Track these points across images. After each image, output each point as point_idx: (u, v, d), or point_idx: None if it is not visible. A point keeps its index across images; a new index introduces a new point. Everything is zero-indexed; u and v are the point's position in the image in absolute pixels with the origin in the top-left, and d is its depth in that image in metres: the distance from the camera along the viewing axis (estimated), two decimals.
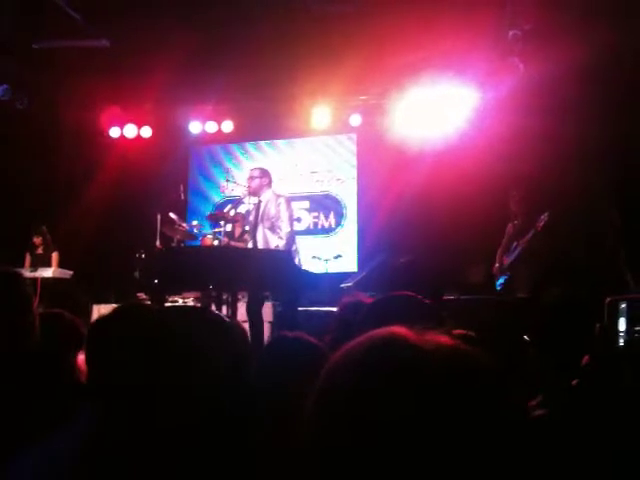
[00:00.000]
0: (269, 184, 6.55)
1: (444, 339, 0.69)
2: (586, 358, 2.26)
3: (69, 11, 7.01)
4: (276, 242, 6.26)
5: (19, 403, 1.55)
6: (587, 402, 1.98)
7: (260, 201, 6.51)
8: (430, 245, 7.56)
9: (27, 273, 7.51)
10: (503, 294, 6.51)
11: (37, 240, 8.23)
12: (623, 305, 5.32)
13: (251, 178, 6.53)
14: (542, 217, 6.42)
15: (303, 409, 0.71)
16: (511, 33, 7.01)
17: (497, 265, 6.87)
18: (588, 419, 1.86)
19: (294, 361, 1.58)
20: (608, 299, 5.25)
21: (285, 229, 6.30)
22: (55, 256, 8.19)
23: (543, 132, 6.89)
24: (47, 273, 7.79)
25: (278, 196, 6.50)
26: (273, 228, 6.35)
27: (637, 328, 5.15)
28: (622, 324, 5.27)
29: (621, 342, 4.75)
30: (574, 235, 6.40)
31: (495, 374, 0.68)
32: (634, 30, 6.53)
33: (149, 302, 6.02)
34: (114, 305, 5.73)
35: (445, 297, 5.45)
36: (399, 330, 0.71)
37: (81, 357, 2.02)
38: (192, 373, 1.40)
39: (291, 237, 6.37)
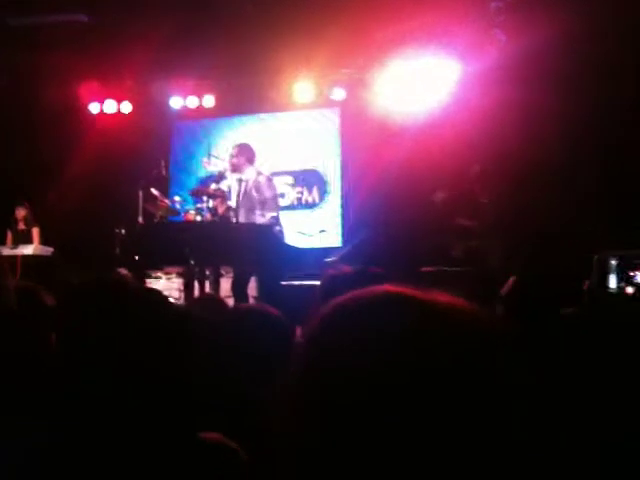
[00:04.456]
0: (249, 161, 6.50)
1: (447, 298, 0.66)
2: (571, 309, 2.27)
3: None
4: (259, 221, 6.25)
5: None
6: (571, 351, 1.99)
7: (242, 179, 6.48)
8: (413, 219, 7.56)
9: (7, 250, 7.46)
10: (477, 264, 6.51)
11: (19, 214, 8.13)
12: (613, 261, 5.22)
13: (231, 156, 6.51)
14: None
15: (284, 380, 0.67)
16: (493, 5, 6.96)
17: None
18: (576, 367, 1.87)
19: (252, 333, 1.57)
20: (596, 256, 5.23)
21: (268, 210, 6.26)
22: (36, 232, 8.12)
23: (526, 104, 6.87)
24: (27, 250, 7.73)
25: (259, 174, 6.46)
26: (253, 208, 6.31)
27: (622, 284, 5.12)
28: (612, 281, 5.17)
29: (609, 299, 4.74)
30: (551, 207, 6.43)
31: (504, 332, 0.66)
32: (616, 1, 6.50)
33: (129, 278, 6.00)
34: None
35: (424, 269, 5.47)
36: (402, 288, 0.67)
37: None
38: (168, 353, 1.39)
39: (275, 218, 6.34)
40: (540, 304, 2.25)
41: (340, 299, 0.68)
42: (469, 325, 0.64)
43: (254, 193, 6.33)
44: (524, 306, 2.27)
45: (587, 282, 5.03)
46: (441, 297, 0.66)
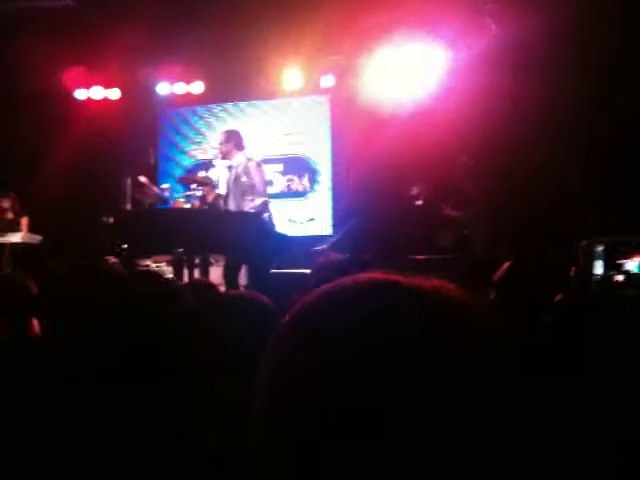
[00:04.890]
0: (237, 147, 6.47)
1: (433, 282, 0.65)
2: (559, 296, 2.26)
3: None
4: (248, 208, 6.24)
5: None
6: (562, 338, 1.99)
7: (231, 166, 6.47)
8: (402, 208, 7.55)
9: None
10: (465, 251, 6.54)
11: (6, 204, 8.08)
12: (600, 248, 5.22)
13: (219, 143, 6.53)
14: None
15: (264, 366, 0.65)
16: None
17: None
18: (565, 354, 1.87)
19: (240, 319, 1.57)
20: (584, 241, 5.22)
21: (258, 195, 6.25)
22: (25, 221, 8.07)
23: (515, 92, 6.87)
24: (16, 238, 7.69)
25: (249, 160, 6.44)
26: (244, 194, 6.30)
27: (611, 272, 5.10)
28: (599, 268, 5.16)
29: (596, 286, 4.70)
30: (534, 196, 6.46)
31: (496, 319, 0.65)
32: None
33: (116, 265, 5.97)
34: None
35: (414, 257, 5.49)
36: (387, 275, 0.66)
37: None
38: (161, 337, 1.37)
39: (264, 203, 6.33)
40: (532, 290, 2.25)
41: (326, 286, 0.67)
42: (457, 309, 0.63)
43: (244, 178, 6.32)
44: (517, 292, 2.27)
45: (574, 269, 5.05)
46: (426, 282, 0.65)
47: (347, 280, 0.66)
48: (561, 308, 2.19)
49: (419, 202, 6.88)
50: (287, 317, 0.67)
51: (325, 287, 0.67)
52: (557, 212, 6.25)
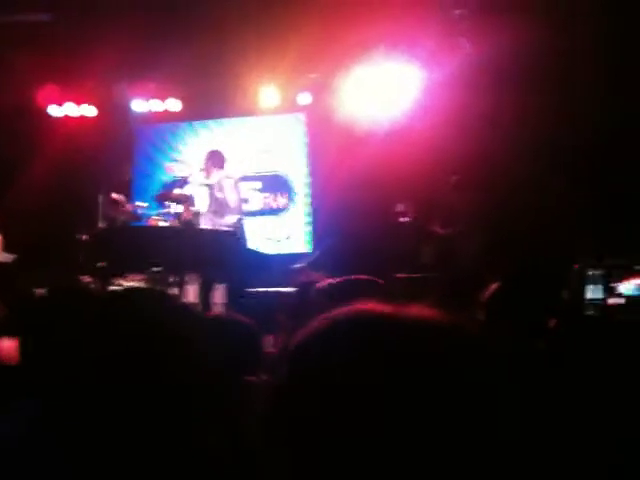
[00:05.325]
0: (217, 165, 6.53)
1: (423, 311, 0.66)
2: (553, 321, 2.26)
3: None
4: (223, 226, 6.26)
5: None
6: (557, 364, 1.99)
7: (210, 184, 6.51)
8: (381, 225, 7.57)
9: None
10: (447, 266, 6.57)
11: None
12: (591, 271, 5.21)
13: (203, 161, 6.66)
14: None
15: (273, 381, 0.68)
16: (457, 12, 7.03)
17: None
18: (559, 380, 1.87)
19: (221, 342, 1.55)
20: (576, 266, 5.23)
21: (234, 213, 6.28)
22: None
23: (489, 112, 6.94)
24: None
25: (226, 178, 6.48)
26: (221, 212, 6.32)
27: (603, 295, 5.04)
28: (590, 292, 5.14)
29: (589, 311, 4.67)
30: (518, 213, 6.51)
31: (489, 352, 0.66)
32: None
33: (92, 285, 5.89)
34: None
35: (397, 275, 5.49)
36: (374, 305, 0.67)
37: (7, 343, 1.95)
38: (140, 355, 1.35)
39: (239, 221, 6.35)
40: (524, 312, 2.24)
41: (316, 323, 0.68)
42: (453, 343, 0.64)
43: (220, 196, 6.35)
44: (507, 313, 2.25)
45: (565, 292, 5.04)
46: (419, 310, 0.66)
47: (340, 317, 0.67)
48: (555, 334, 2.19)
49: (405, 219, 6.89)
50: (285, 359, 0.69)
51: (316, 324, 0.68)
52: (545, 231, 6.29)
